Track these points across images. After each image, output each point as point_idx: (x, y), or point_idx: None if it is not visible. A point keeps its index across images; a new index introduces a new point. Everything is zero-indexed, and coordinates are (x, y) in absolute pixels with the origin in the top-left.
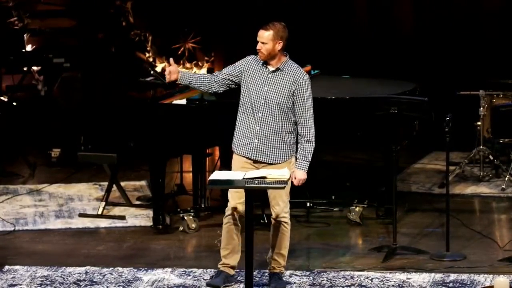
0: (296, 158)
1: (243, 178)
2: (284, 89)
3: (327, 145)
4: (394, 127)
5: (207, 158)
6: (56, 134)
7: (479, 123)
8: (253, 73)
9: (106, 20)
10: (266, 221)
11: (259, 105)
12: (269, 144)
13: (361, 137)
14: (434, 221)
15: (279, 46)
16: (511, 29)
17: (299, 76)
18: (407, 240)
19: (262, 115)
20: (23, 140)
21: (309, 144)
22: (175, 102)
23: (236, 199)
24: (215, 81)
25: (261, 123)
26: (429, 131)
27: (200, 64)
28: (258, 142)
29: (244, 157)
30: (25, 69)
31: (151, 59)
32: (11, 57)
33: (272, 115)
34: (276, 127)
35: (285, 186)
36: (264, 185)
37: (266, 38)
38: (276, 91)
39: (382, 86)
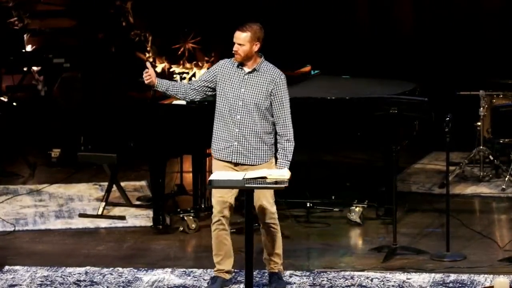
0: (276, 158)
1: (243, 179)
2: (262, 90)
3: (327, 145)
4: (394, 127)
5: (207, 158)
6: (56, 134)
7: (479, 123)
8: (229, 75)
9: (106, 20)
10: None
11: (236, 107)
12: (249, 146)
13: (361, 137)
14: (434, 221)
15: (256, 48)
16: (511, 29)
17: (276, 76)
18: (407, 240)
19: (240, 117)
20: (23, 140)
21: (289, 144)
22: (175, 102)
23: (221, 204)
24: (191, 89)
25: (240, 125)
26: (429, 131)
27: (200, 64)
28: (237, 145)
29: (224, 161)
30: (25, 69)
31: (151, 59)
32: (11, 57)
33: (250, 117)
34: (255, 128)
35: (285, 186)
36: (264, 185)
37: (243, 39)
38: (254, 92)
39: (382, 86)
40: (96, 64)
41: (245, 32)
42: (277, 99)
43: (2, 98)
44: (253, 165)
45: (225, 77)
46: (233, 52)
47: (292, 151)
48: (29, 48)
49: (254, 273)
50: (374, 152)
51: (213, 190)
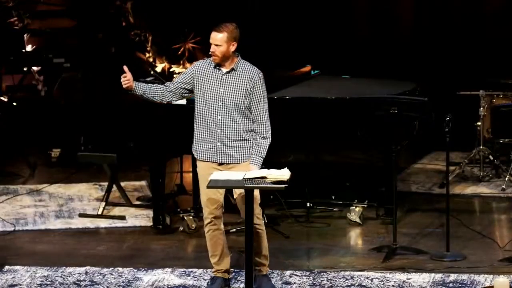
0: (251, 154)
1: (243, 179)
2: (241, 89)
3: (327, 145)
4: (394, 127)
5: None
6: (56, 134)
7: (479, 123)
8: (206, 77)
9: (106, 20)
10: (266, 221)
11: (217, 108)
12: (232, 145)
13: (361, 137)
14: (434, 221)
15: (233, 48)
16: (511, 29)
17: (254, 74)
18: (407, 240)
19: (221, 118)
20: (23, 140)
21: (264, 141)
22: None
23: (212, 204)
24: (168, 91)
25: (222, 126)
26: (429, 131)
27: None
28: (221, 145)
29: (208, 161)
30: (25, 69)
31: (151, 59)
32: (11, 57)
33: (231, 116)
34: (237, 127)
35: (285, 186)
36: (264, 185)
37: (220, 40)
38: (233, 91)
39: (382, 86)
40: (96, 64)
41: (222, 32)
42: (255, 97)
43: (2, 98)
44: (237, 163)
45: (203, 78)
46: (210, 53)
47: (267, 148)
48: (29, 48)
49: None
50: (374, 152)
51: (201, 193)
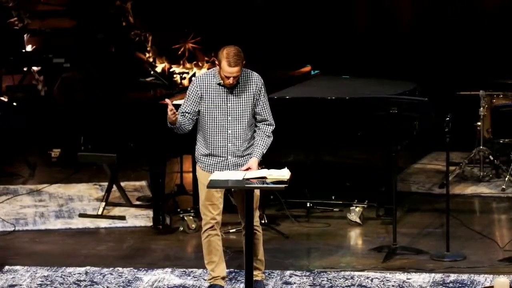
0: (254, 147)
1: (243, 179)
2: (248, 99)
3: (327, 145)
4: (394, 127)
5: None
6: (56, 134)
7: (479, 123)
8: (212, 94)
9: (106, 20)
10: (266, 221)
11: (227, 123)
12: (242, 154)
13: (361, 137)
14: (434, 221)
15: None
16: (511, 29)
17: (256, 79)
18: (407, 240)
19: (231, 132)
20: (23, 140)
21: (269, 139)
22: (175, 102)
23: (215, 210)
24: (190, 119)
25: (232, 139)
26: (429, 131)
27: (200, 64)
28: (232, 157)
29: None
30: (25, 69)
31: (151, 59)
32: (11, 57)
33: (241, 128)
34: (245, 136)
35: (285, 186)
36: (264, 185)
37: (238, 71)
38: (241, 104)
39: (382, 86)
40: (96, 64)
41: (238, 65)
42: (260, 100)
43: (2, 98)
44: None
45: (209, 96)
46: (227, 84)
47: (268, 146)
48: (29, 48)
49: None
50: (374, 152)
51: (201, 197)
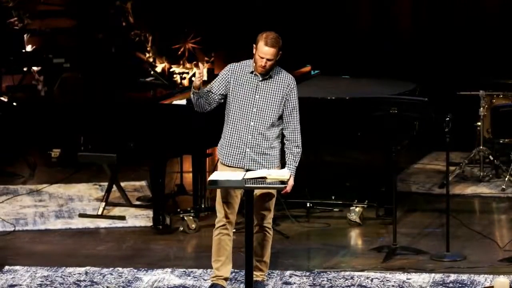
0: (286, 163)
1: (243, 179)
2: (277, 96)
3: (327, 145)
4: (394, 127)
5: (207, 158)
6: (56, 134)
7: (479, 123)
8: (242, 82)
9: (106, 20)
10: None
11: (251, 114)
12: (261, 152)
13: (361, 137)
14: (434, 221)
15: (278, 58)
16: (511, 29)
17: (290, 81)
18: (407, 240)
19: (254, 124)
20: (23, 140)
21: (298, 150)
22: (175, 102)
23: (229, 208)
24: (212, 100)
25: (254, 132)
26: (429, 131)
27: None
28: (250, 151)
29: (234, 166)
30: (25, 69)
31: (151, 59)
32: (11, 57)
33: (264, 123)
34: (267, 134)
35: (285, 186)
36: (264, 185)
37: (272, 54)
38: (268, 98)
39: (382, 86)
40: (96, 64)
41: (275, 47)
42: (290, 104)
43: (2, 98)
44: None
45: (238, 83)
46: (260, 66)
47: (300, 157)
48: (29, 48)
49: None
50: (374, 152)
51: (218, 194)
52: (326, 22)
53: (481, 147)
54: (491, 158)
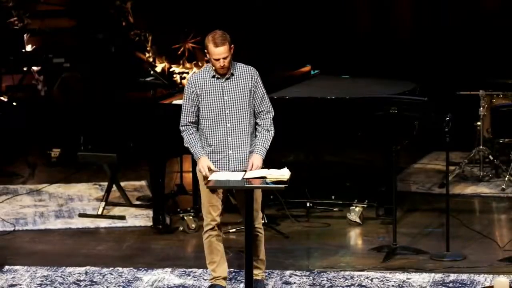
0: (255, 145)
1: (243, 179)
2: (244, 91)
3: (327, 145)
4: (394, 127)
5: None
6: (56, 134)
7: (479, 123)
8: (207, 89)
9: (106, 20)
10: (266, 221)
11: (225, 116)
12: (244, 149)
13: (361, 137)
14: (434, 221)
15: (232, 52)
16: (511, 29)
17: (253, 72)
18: (407, 240)
19: (231, 125)
20: (23, 140)
21: (269, 133)
22: (175, 102)
23: (215, 211)
24: (196, 126)
25: (232, 133)
26: (429, 131)
27: (200, 64)
28: (232, 153)
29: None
30: (25, 69)
31: (151, 59)
32: (11, 57)
33: (240, 121)
34: (245, 130)
35: (285, 186)
36: (264, 185)
37: (225, 52)
38: (238, 96)
39: (382, 86)
40: (96, 64)
41: (224, 44)
42: (258, 95)
43: (2, 98)
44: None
45: (205, 91)
46: (219, 68)
47: (270, 140)
48: (29, 48)
49: None
50: (374, 152)
51: (203, 198)
52: (326, 22)
53: (481, 147)
54: (491, 158)
